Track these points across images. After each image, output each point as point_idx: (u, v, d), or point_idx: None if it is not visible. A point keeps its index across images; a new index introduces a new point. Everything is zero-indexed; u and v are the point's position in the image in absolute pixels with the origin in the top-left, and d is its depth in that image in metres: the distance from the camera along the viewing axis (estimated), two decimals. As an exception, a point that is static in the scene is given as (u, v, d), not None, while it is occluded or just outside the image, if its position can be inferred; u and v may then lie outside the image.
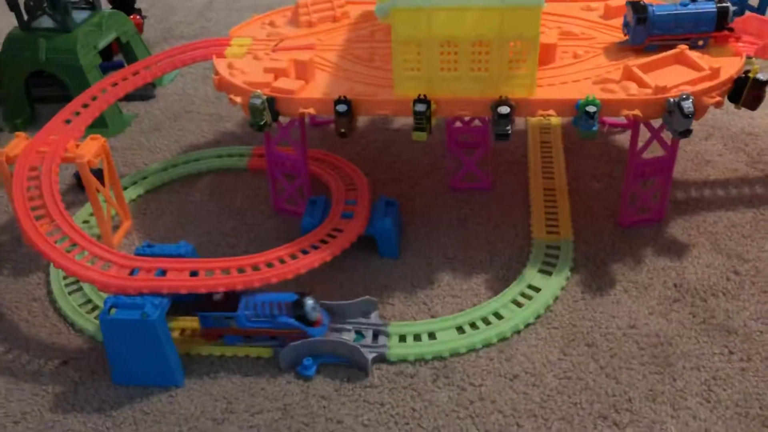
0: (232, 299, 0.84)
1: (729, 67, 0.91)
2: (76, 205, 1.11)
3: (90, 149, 0.97)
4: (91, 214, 1.07)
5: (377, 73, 0.98)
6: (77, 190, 1.14)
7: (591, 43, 1.02)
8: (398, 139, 1.22)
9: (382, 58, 1.01)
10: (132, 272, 0.83)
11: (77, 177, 1.13)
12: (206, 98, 1.39)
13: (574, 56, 0.99)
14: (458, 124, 1.10)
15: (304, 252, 0.89)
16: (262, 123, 0.91)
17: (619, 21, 1.04)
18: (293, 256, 0.88)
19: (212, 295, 0.84)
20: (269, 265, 0.86)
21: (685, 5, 0.96)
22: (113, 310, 0.79)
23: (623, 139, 1.17)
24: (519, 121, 1.01)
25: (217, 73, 1.00)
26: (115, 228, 1.05)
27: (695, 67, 0.92)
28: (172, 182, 1.16)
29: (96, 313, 0.91)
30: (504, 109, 0.87)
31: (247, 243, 1.02)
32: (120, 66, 1.43)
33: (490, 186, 1.10)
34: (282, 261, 0.87)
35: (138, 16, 1.61)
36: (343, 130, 0.92)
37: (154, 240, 1.02)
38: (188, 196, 1.13)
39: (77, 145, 0.98)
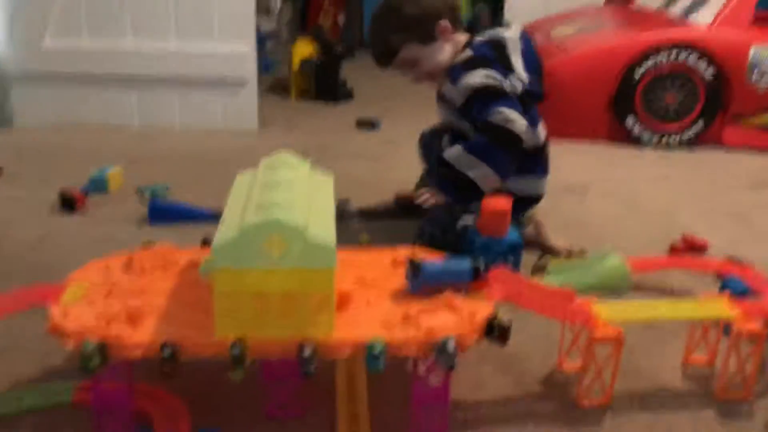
0: None
1: (482, 311, 1.17)
2: None
3: None
4: None
5: (201, 317, 1.13)
6: None
7: (380, 290, 1.25)
8: (222, 370, 1.34)
9: (206, 303, 1.17)
10: None
11: None
12: (33, 333, 1.45)
13: (367, 301, 1.21)
14: (274, 356, 1.25)
15: (125, 488, 0.96)
16: (91, 367, 1.02)
17: (403, 269, 1.29)
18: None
19: None
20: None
21: (449, 262, 1.24)
22: None
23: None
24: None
25: (51, 318, 1.11)
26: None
27: (458, 311, 1.17)
28: (-10, 424, 1.19)
29: None
30: (307, 351, 1.05)
31: (67, 482, 1.06)
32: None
33: (302, 414, 1.24)
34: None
35: (-31, 251, 1.67)
36: (167, 372, 1.04)
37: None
38: (7, 436, 1.16)
39: None
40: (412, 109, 3.47)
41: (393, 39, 1.82)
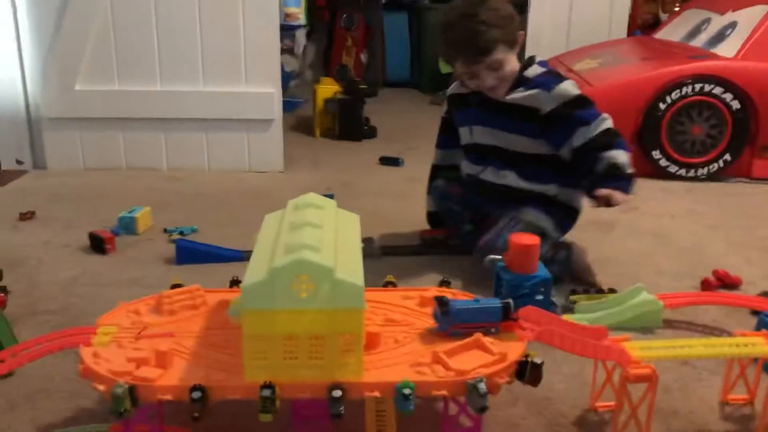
0: None
1: (514, 351, 1.16)
2: None
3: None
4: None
5: (230, 359, 1.14)
6: None
7: (409, 329, 1.24)
8: (249, 411, 1.34)
9: (235, 344, 1.17)
10: None
11: None
12: (65, 375, 1.46)
13: (395, 341, 1.20)
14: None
15: None
16: (122, 410, 1.02)
17: (431, 308, 1.28)
18: None
19: None
20: None
21: (478, 302, 1.23)
22: None
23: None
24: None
25: (82, 362, 1.11)
26: None
27: (488, 351, 1.15)
28: (23, 465, 1.19)
29: None
30: (337, 393, 1.05)
31: None
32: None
33: (331, 455, 1.23)
34: None
35: (2, 294, 1.70)
36: (196, 414, 1.04)
37: None
38: (39, 478, 1.16)
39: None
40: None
41: (492, 35, 1.84)
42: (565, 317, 1.36)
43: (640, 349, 1.27)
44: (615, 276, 2.00)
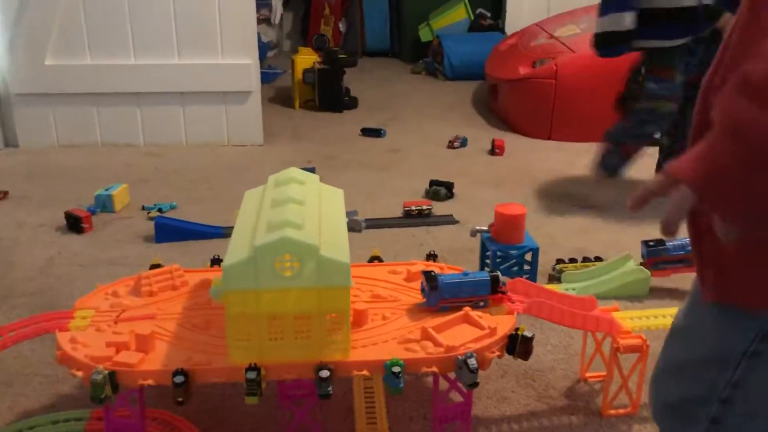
0: None
1: (504, 325, 1.13)
2: None
3: None
4: None
5: (213, 341, 1.10)
6: None
7: (396, 305, 1.21)
8: (235, 392, 1.31)
9: (217, 326, 1.14)
10: None
11: None
12: (43, 359, 1.42)
13: (383, 318, 1.17)
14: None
15: None
16: (102, 397, 0.99)
17: (419, 283, 1.25)
18: None
19: None
20: None
21: (466, 275, 1.20)
22: None
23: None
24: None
25: (59, 347, 1.07)
26: None
27: (478, 325, 1.13)
28: (3, 454, 1.16)
29: None
30: (324, 373, 1.02)
31: None
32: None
33: (320, 435, 1.21)
34: None
35: (-25, 278, 1.65)
36: (180, 399, 1.01)
37: None
38: (20, 467, 1.13)
39: None
40: (416, 116, 3.44)
41: None
42: (553, 287, 1.35)
43: (629, 319, 1.26)
44: (601, 244, 1.99)
